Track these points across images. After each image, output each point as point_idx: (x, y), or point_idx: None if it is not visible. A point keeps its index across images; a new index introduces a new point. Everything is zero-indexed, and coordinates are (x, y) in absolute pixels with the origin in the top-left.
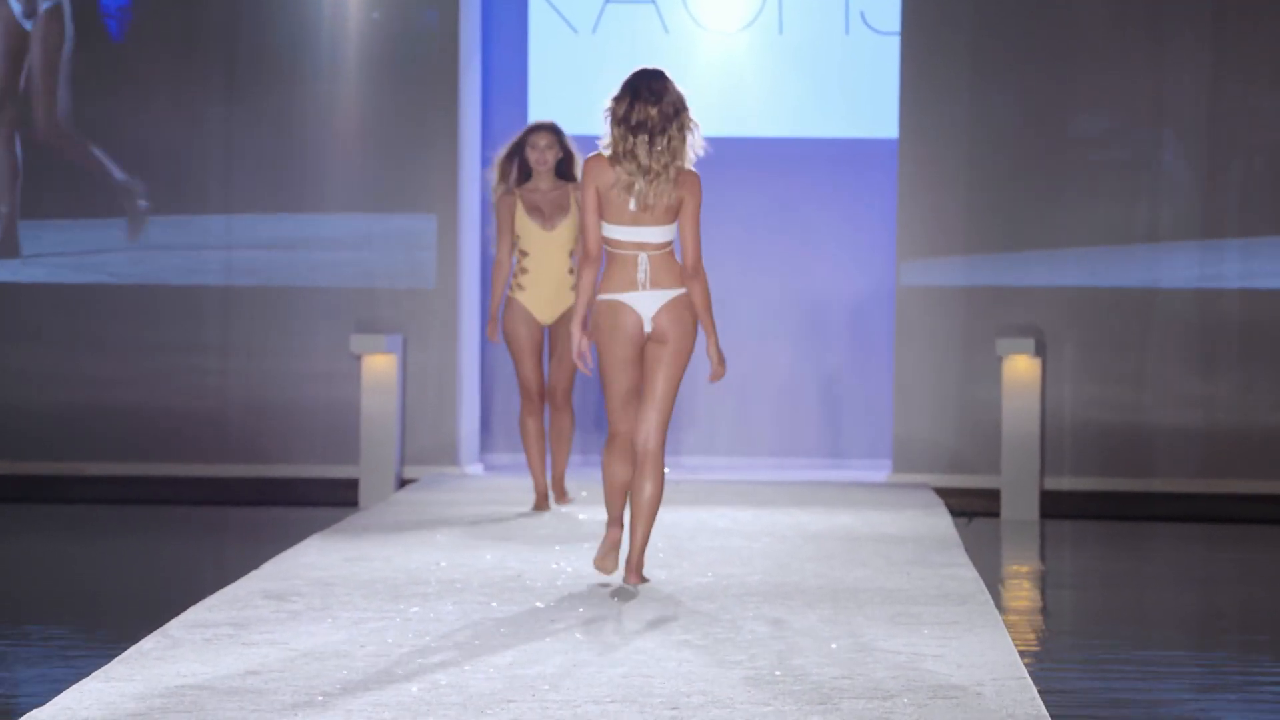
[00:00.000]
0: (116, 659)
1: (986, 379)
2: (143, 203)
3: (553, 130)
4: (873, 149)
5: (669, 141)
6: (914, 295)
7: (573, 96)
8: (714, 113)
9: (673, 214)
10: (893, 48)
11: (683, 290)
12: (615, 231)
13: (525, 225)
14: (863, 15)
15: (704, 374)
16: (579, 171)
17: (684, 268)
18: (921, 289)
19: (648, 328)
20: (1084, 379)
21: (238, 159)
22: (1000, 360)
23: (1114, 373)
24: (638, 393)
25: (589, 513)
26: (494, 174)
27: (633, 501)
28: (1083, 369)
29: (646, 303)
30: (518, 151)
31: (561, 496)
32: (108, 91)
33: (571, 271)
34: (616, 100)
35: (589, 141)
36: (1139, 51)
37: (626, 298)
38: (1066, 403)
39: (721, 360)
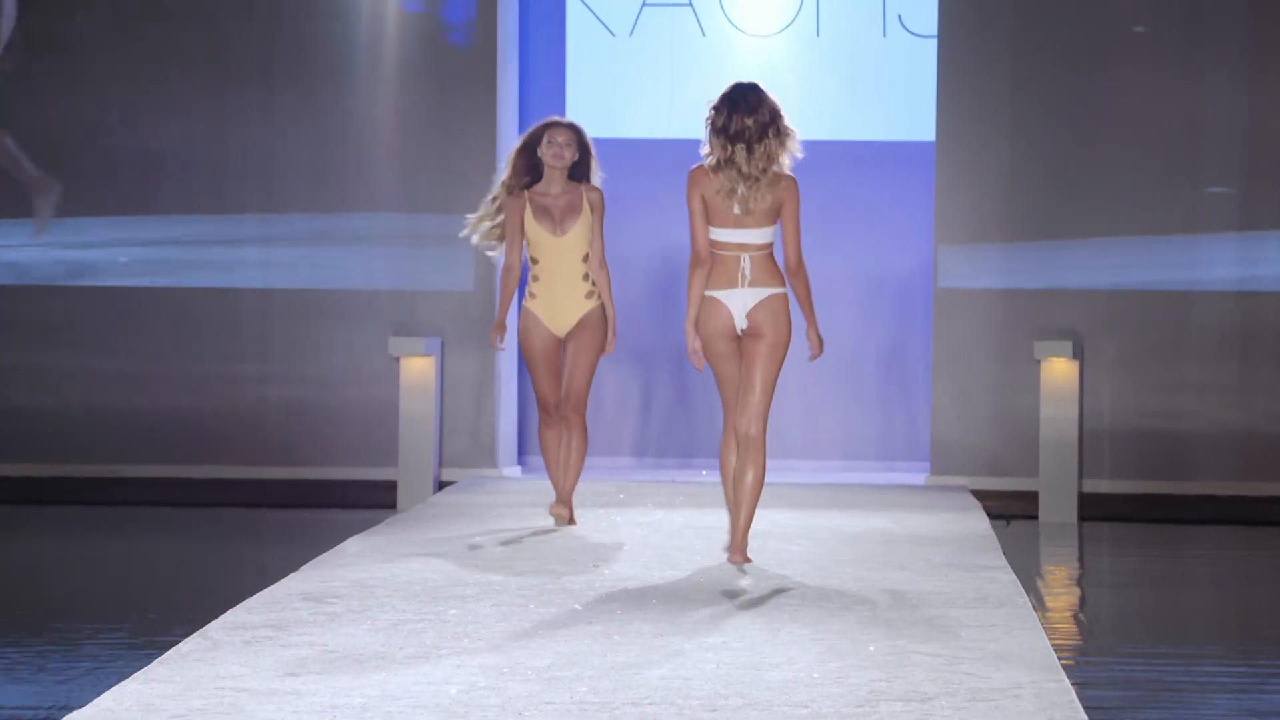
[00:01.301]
0: (156, 660)
1: (1024, 382)
2: (51, 202)
3: (573, 128)
4: (910, 151)
5: (766, 148)
6: (952, 298)
7: (610, 99)
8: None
9: (772, 216)
10: (930, 50)
11: (779, 289)
12: (720, 234)
13: (535, 231)
14: (900, 18)
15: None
16: (596, 177)
17: (786, 264)
18: (959, 291)
19: (742, 323)
20: (1122, 381)
21: (276, 163)
22: (1038, 363)
23: (1152, 375)
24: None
25: (626, 515)
26: (506, 167)
27: (735, 485)
28: (1121, 371)
29: (743, 299)
30: (532, 145)
31: (569, 518)
32: (139, 91)
33: (586, 278)
34: (716, 111)
35: (627, 144)
36: (1175, 51)
37: (722, 294)
38: (1105, 405)
39: (820, 342)
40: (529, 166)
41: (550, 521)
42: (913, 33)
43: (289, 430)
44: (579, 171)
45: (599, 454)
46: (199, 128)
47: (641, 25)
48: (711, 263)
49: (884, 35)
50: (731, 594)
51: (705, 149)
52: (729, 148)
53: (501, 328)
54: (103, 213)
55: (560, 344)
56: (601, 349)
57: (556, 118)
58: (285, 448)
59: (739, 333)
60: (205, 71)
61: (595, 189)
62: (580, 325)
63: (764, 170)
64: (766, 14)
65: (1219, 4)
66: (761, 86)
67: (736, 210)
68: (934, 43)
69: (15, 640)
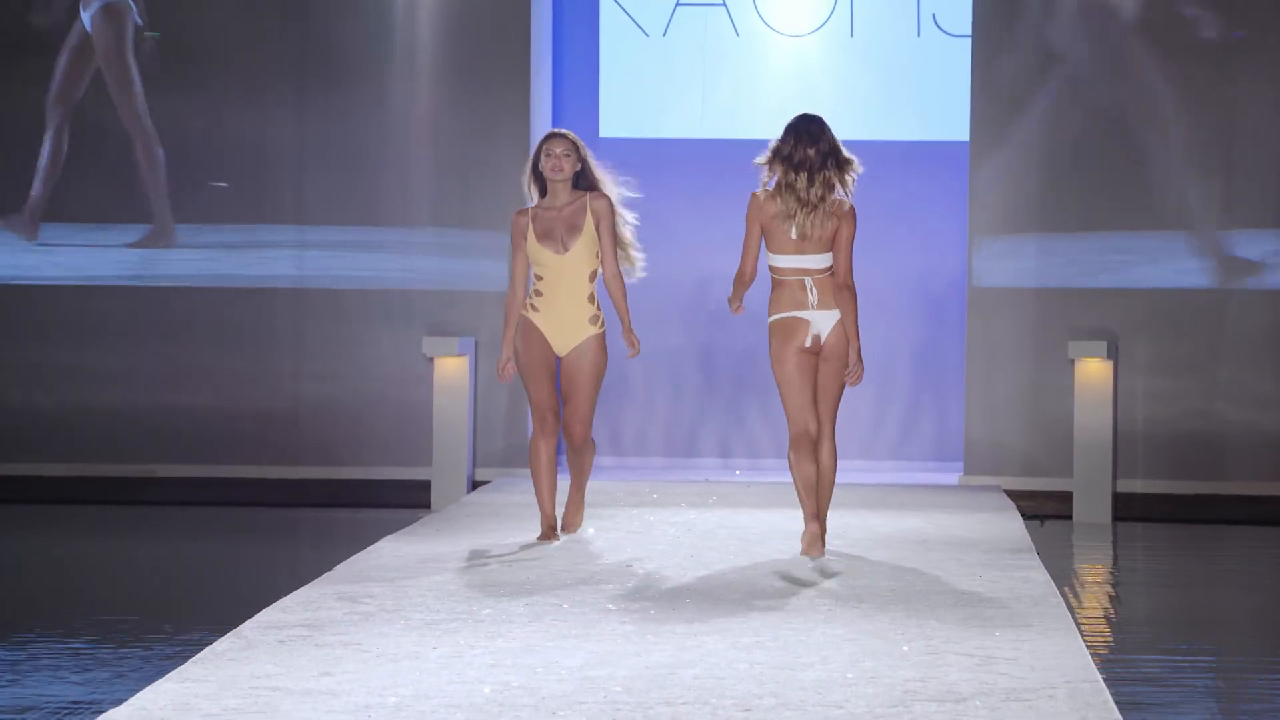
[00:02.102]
0: (191, 660)
1: (1058, 381)
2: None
3: (568, 138)
4: (944, 151)
5: (825, 177)
6: (986, 297)
7: (643, 99)
8: (784, 116)
9: (830, 243)
10: (964, 50)
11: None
12: (780, 260)
13: (539, 253)
14: (934, 17)
15: (767, 378)
16: (605, 184)
17: (835, 281)
18: (993, 291)
19: (822, 338)
20: (1156, 381)
21: (311, 164)
22: (1072, 363)
23: (1187, 374)
24: (808, 396)
25: (659, 514)
26: (530, 191)
27: (819, 479)
28: (1155, 371)
29: (819, 320)
30: (536, 163)
31: (576, 524)
32: (179, 92)
33: (591, 300)
34: (782, 141)
35: (659, 144)
36: (1209, 51)
37: (801, 314)
38: (1139, 405)
39: (861, 368)
40: (542, 186)
41: (584, 517)
42: (946, 32)
43: (324, 430)
44: (584, 181)
45: (631, 453)
46: (234, 128)
47: (675, 25)
48: (773, 289)
49: (918, 35)
50: (765, 594)
51: (765, 175)
52: (791, 174)
53: (507, 356)
54: (140, 219)
55: (555, 359)
56: (602, 375)
57: (554, 129)
58: (320, 447)
59: (808, 345)
60: (241, 74)
61: (601, 196)
62: (579, 353)
63: (822, 198)
64: (800, 14)
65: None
66: (824, 119)
67: (794, 235)
68: (968, 42)
69: (52, 639)
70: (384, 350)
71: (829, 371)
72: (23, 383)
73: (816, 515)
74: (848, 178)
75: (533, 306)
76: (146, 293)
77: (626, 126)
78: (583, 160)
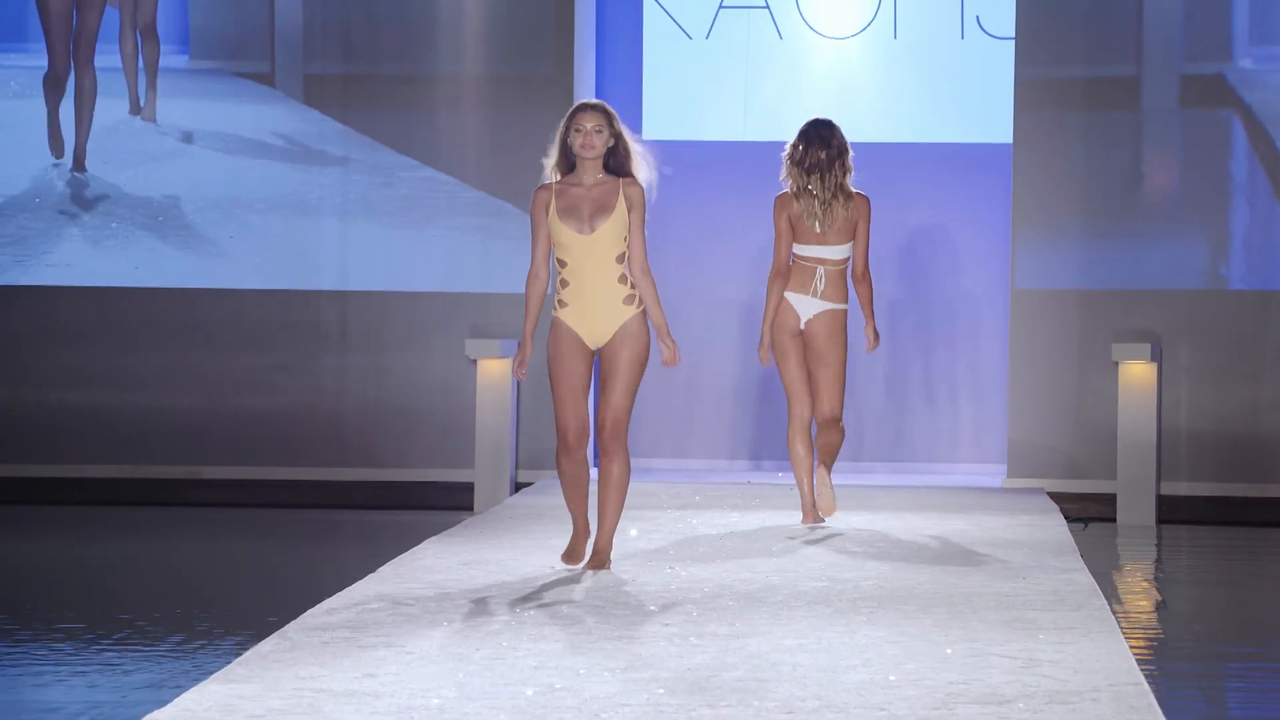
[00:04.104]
0: (236, 661)
1: (1102, 383)
2: None
3: (602, 111)
4: (987, 154)
5: (835, 176)
6: (1029, 299)
7: (687, 102)
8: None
9: (849, 233)
10: (1008, 52)
11: (842, 306)
12: (802, 249)
13: (559, 231)
14: (978, 19)
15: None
16: (638, 166)
17: (854, 271)
18: (1036, 293)
19: (802, 325)
20: (1201, 382)
21: (353, 167)
22: (1116, 365)
23: (1232, 376)
24: (804, 379)
25: (702, 517)
26: (553, 172)
27: (819, 449)
28: (1200, 372)
29: (808, 307)
30: (565, 137)
31: (602, 563)
32: (227, 93)
33: (624, 280)
34: (793, 146)
35: (701, 147)
36: (1256, 51)
37: (793, 298)
38: (1183, 407)
39: (877, 337)
40: (569, 163)
41: (627, 519)
42: (990, 34)
43: (367, 432)
44: (616, 163)
45: (672, 455)
46: (274, 135)
47: (718, 27)
48: (791, 268)
49: (962, 37)
50: (808, 596)
51: (783, 175)
52: (805, 178)
53: (525, 352)
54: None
55: (592, 361)
56: (644, 364)
57: (585, 100)
58: (363, 449)
59: (800, 330)
60: (283, 72)
61: (635, 184)
62: (619, 338)
63: (835, 195)
64: (844, 16)
65: None
66: (834, 122)
67: (818, 229)
68: (1011, 44)
69: (96, 640)
70: (427, 352)
71: (825, 351)
72: (67, 385)
73: (810, 491)
74: (847, 180)
75: (560, 302)
76: (191, 294)
77: (669, 129)
78: (616, 135)
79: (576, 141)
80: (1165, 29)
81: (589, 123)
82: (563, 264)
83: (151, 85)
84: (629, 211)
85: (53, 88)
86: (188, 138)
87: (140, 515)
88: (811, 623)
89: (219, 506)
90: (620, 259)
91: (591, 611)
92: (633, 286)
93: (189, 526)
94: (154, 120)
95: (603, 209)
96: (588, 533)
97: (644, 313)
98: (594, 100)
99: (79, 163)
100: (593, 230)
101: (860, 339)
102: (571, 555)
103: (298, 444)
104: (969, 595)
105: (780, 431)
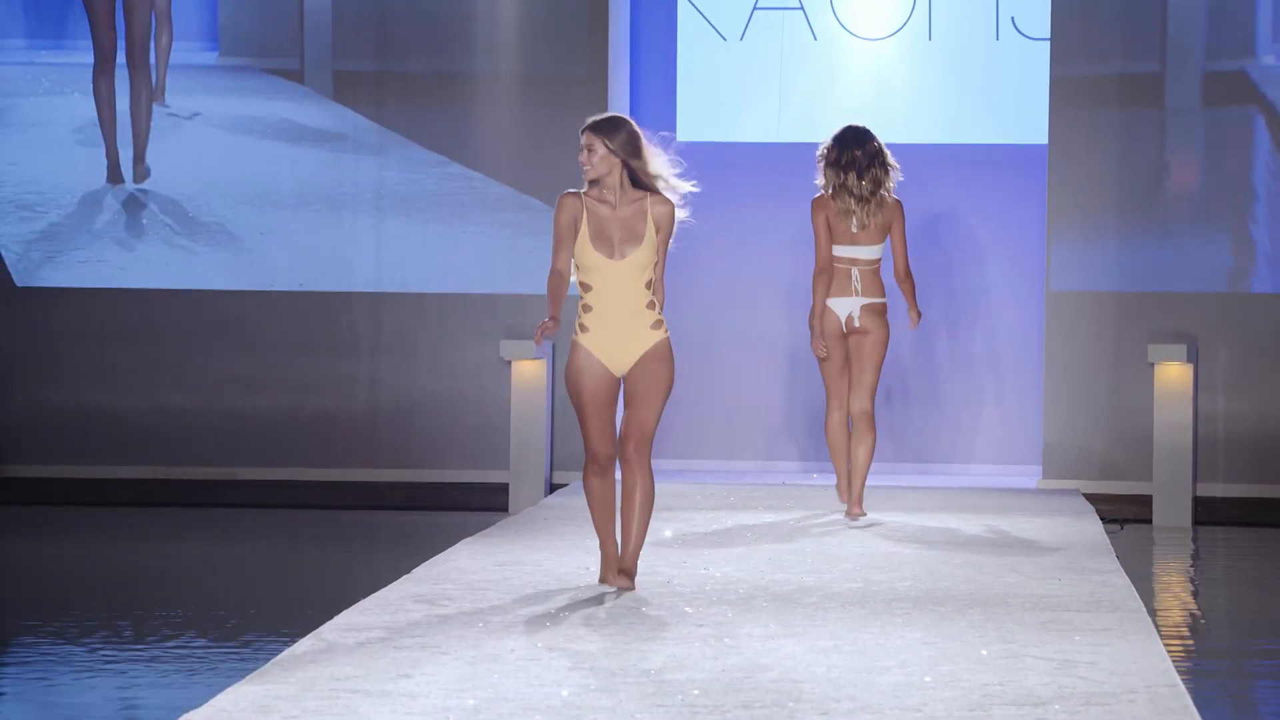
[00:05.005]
0: (271, 661)
1: (1138, 384)
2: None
3: (594, 129)
4: (1022, 155)
5: (873, 174)
6: (1064, 300)
7: (721, 103)
8: (862, 120)
9: (883, 234)
10: (1042, 53)
11: (881, 300)
12: (837, 250)
13: (588, 254)
14: (1013, 20)
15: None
16: (665, 183)
17: (896, 271)
18: (1072, 294)
19: (844, 323)
20: (1237, 384)
21: (388, 169)
22: (1152, 366)
23: (1268, 377)
24: (843, 376)
25: (736, 518)
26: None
27: (853, 454)
28: (1236, 374)
29: (850, 305)
30: None
31: (628, 579)
32: (259, 93)
33: (651, 306)
34: (829, 149)
35: (736, 148)
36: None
37: (833, 302)
38: (1219, 408)
39: (919, 315)
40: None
41: (661, 521)
42: (1025, 35)
43: (401, 433)
44: (639, 181)
45: (708, 456)
46: (310, 141)
47: (752, 29)
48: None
49: (996, 38)
50: (842, 597)
51: (820, 180)
52: (841, 176)
53: (554, 324)
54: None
55: (618, 385)
56: (670, 387)
57: (592, 118)
58: (398, 450)
59: (844, 331)
60: (315, 74)
61: (662, 202)
62: (646, 361)
63: (871, 193)
64: (878, 17)
65: None
66: (869, 128)
67: (854, 228)
68: (1046, 45)
69: (131, 641)
70: (462, 354)
71: (865, 344)
72: (104, 386)
73: (850, 490)
74: (890, 180)
75: (581, 326)
76: (225, 296)
77: (704, 130)
78: (626, 163)
79: (580, 161)
80: (1189, 26)
81: (583, 140)
82: (586, 287)
83: (162, 68)
84: (657, 233)
85: (102, 83)
86: (222, 130)
87: (175, 516)
88: (846, 624)
89: (253, 508)
90: (649, 285)
91: (626, 612)
92: (659, 312)
93: (223, 528)
94: (163, 102)
95: (632, 236)
96: (617, 555)
97: (668, 339)
98: (602, 115)
99: (140, 175)
100: (623, 258)
101: (899, 336)
102: (606, 577)
103: (333, 445)
104: (1004, 596)
105: (818, 432)
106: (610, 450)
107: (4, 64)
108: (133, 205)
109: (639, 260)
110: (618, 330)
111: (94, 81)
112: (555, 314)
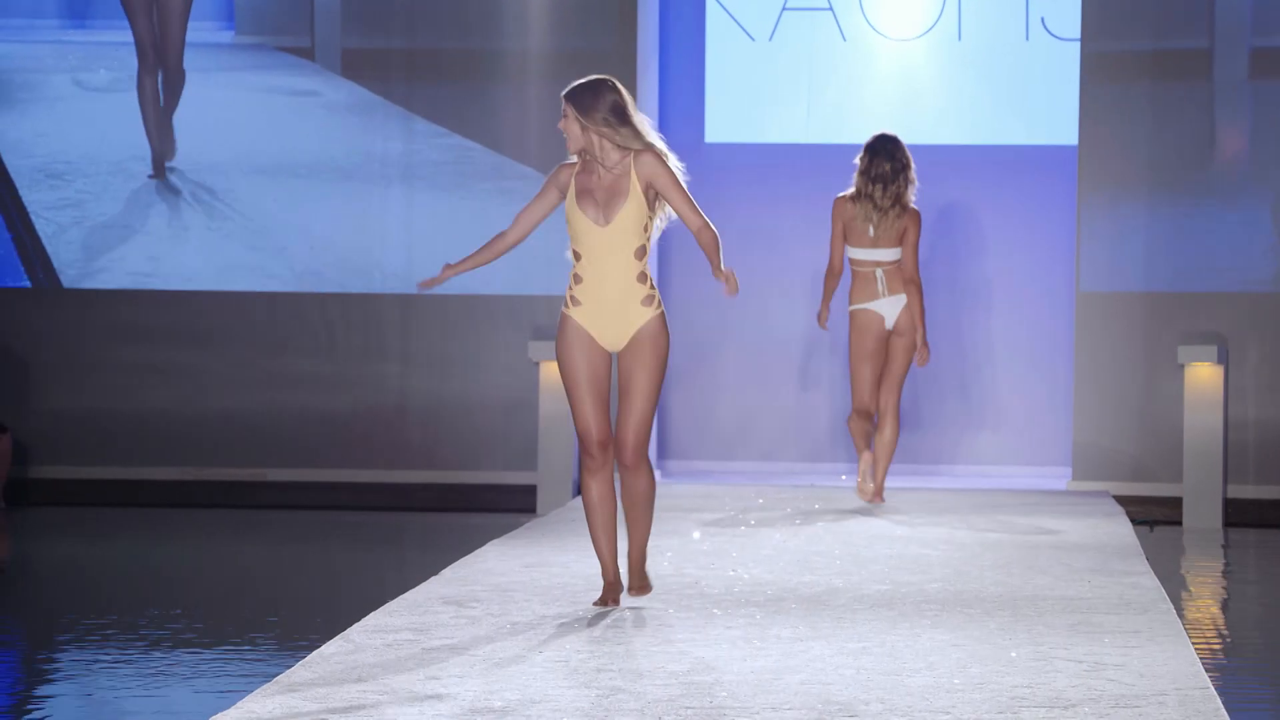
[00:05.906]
0: (299, 663)
1: (1168, 386)
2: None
3: (566, 97)
4: (1052, 155)
5: (897, 187)
6: (1094, 301)
7: (750, 104)
8: (891, 120)
9: (897, 239)
10: (1074, 54)
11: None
12: (858, 253)
13: (577, 219)
14: (1043, 21)
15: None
16: (647, 137)
17: (904, 274)
18: (1102, 295)
19: (890, 325)
20: (1268, 385)
21: (417, 169)
22: (1182, 367)
23: None
24: (873, 383)
25: (765, 519)
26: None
27: (876, 445)
28: (1267, 375)
29: (887, 307)
30: None
31: (641, 585)
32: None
33: (643, 278)
34: (861, 157)
35: (764, 149)
36: None
37: (872, 305)
38: (1250, 409)
39: (927, 351)
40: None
41: (689, 523)
42: (1055, 36)
43: (430, 434)
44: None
45: (735, 458)
46: (339, 140)
47: (781, 30)
48: (852, 279)
49: (1026, 39)
50: (871, 599)
51: (850, 191)
52: (869, 185)
53: (451, 271)
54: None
55: (610, 360)
56: (664, 368)
57: (572, 84)
58: (426, 452)
59: (887, 331)
60: (350, 76)
61: (644, 152)
62: (637, 341)
63: (893, 204)
64: (907, 18)
65: None
66: (900, 139)
67: (871, 233)
68: (1077, 45)
69: (160, 643)
70: (490, 355)
71: (900, 345)
72: (134, 387)
73: (874, 477)
74: (910, 193)
75: (572, 299)
76: (254, 298)
77: (732, 131)
78: (617, 115)
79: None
80: (1236, 2)
81: (563, 106)
82: (577, 256)
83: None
84: (646, 188)
85: (146, 81)
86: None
87: (204, 517)
88: (875, 626)
89: (283, 509)
90: (640, 254)
91: (654, 614)
92: (652, 286)
93: (253, 529)
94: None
95: (616, 194)
96: (618, 574)
97: (663, 315)
98: (581, 82)
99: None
100: (608, 221)
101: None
102: (606, 600)
103: (362, 446)
104: (1034, 598)
105: (843, 431)
106: (601, 432)
107: (36, 42)
108: (167, 204)
109: (627, 223)
110: (609, 304)
111: (138, 80)
112: (464, 263)
